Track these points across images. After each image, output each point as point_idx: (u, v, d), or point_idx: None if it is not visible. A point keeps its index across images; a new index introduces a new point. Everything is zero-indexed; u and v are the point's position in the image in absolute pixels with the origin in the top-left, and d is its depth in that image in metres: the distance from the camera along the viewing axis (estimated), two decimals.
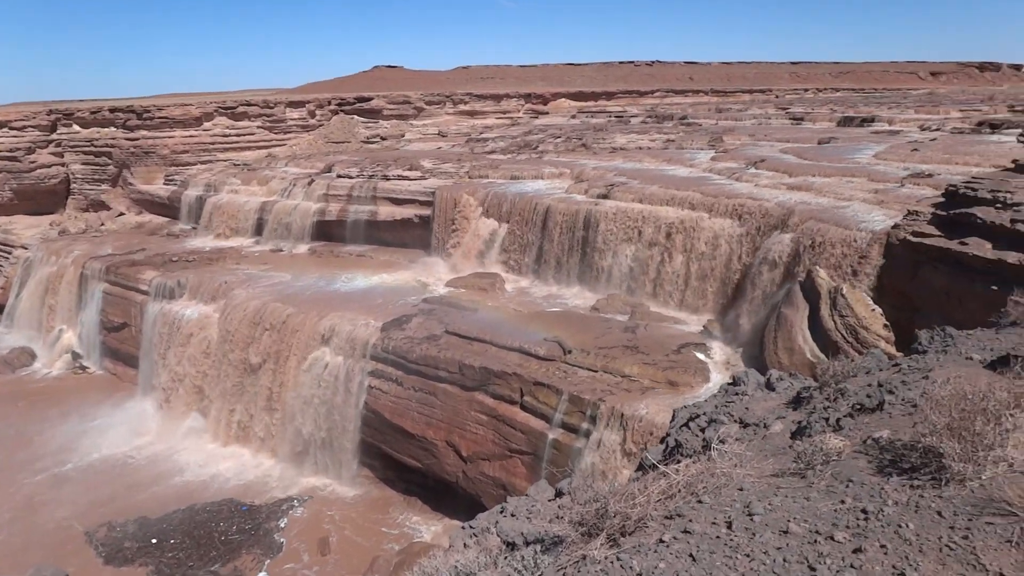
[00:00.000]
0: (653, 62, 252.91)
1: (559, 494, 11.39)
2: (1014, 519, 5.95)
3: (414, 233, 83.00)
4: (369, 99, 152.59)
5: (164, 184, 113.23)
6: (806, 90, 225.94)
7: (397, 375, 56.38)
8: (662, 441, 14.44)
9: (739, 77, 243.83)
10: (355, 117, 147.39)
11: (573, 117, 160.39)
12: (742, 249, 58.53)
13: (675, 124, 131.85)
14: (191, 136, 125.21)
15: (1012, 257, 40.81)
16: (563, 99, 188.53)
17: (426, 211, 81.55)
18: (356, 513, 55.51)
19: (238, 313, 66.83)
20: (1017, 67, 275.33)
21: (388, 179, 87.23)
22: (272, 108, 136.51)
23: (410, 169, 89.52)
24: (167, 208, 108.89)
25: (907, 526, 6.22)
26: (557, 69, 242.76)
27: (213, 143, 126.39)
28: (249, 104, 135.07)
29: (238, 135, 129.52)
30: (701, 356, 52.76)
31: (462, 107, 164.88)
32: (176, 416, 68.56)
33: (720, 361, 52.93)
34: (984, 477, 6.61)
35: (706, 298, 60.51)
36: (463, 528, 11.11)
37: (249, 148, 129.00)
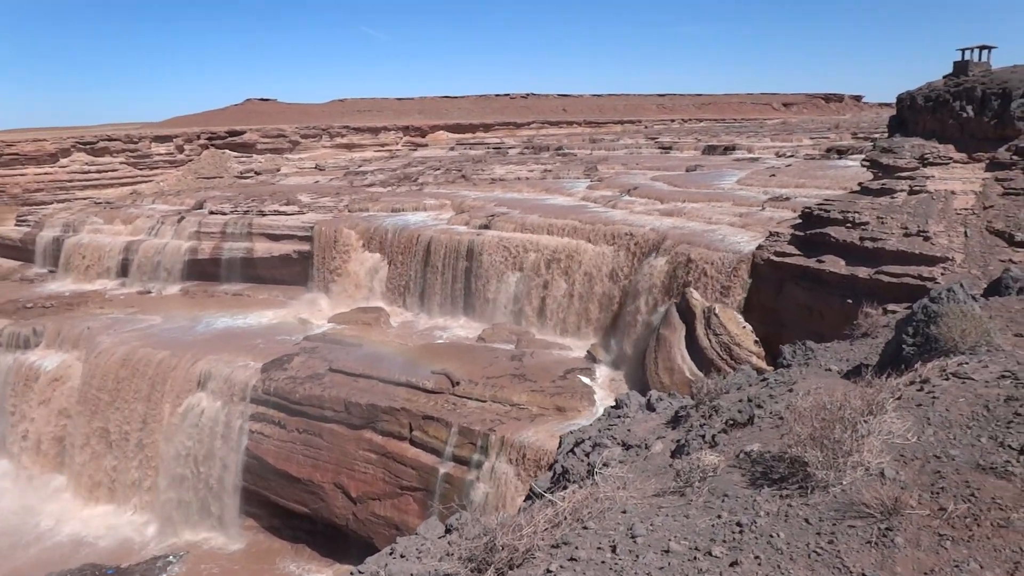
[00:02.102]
0: (528, 94, 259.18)
1: (449, 530, 11.21)
2: (872, 520, 6.33)
3: (293, 269, 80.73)
4: (242, 133, 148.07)
5: (16, 225, 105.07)
6: (672, 120, 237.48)
7: (280, 417, 54.32)
8: (550, 468, 14.54)
9: (610, 109, 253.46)
10: (227, 151, 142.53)
11: (452, 149, 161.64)
12: (621, 274, 60.43)
13: (552, 155, 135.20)
14: (46, 173, 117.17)
15: (863, 272, 44.13)
16: (441, 131, 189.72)
17: (305, 246, 79.59)
18: (239, 566, 52.68)
19: (103, 360, 62.57)
20: (857, 98, 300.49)
21: (264, 215, 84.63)
22: (136, 143, 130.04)
23: (287, 204, 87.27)
24: (20, 251, 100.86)
25: (778, 535, 6.51)
26: (434, 102, 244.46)
27: (71, 181, 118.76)
28: (111, 139, 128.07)
29: (99, 172, 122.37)
30: (586, 380, 53.79)
31: (339, 140, 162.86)
32: (34, 476, 63.13)
33: (605, 384, 54.17)
34: (845, 482, 7.02)
35: (589, 323, 61.96)
36: (351, 574, 10.74)
37: (112, 185, 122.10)
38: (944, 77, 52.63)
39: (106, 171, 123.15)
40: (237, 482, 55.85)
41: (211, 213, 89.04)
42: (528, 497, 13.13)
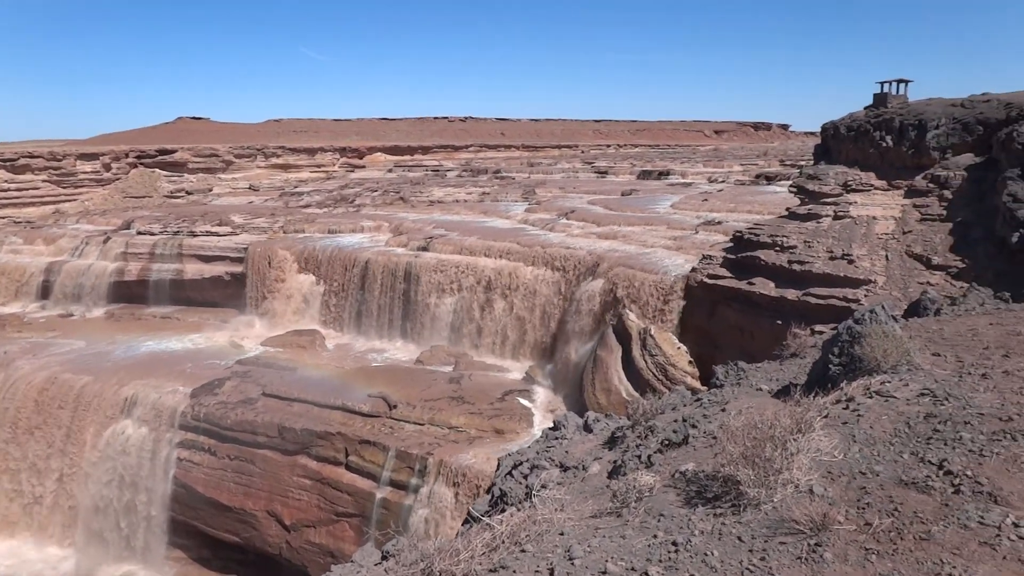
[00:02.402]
0: (466, 118, 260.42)
1: (385, 557, 11.02)
2: (802, 536, 6.49)
3: (225, 292, 78.74)
4: (172, 152, 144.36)
5: None
6: (608, 146, 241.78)
7: (210, 444, 52.64)
8: (488, 491, 14.46)
9: (548, 133, 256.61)
10: (157, 171, 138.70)
11: (390, 171, 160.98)
12: (558, 296, 60.91)
13: (490, 178, 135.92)
14: None
15: (791, 294, 45.52)
16: (379, 153, 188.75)
17: (238, 268, 77.82)
18: None
19: (22, 386, 59.68)
20: (784, 127, 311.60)
21: (196, 235, 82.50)
22: (60, 160, 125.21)
23: (219, 224, 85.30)
24: None
25: (712, 554, 6.60)
26: (372, 123, 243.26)
27: None
28: (32, 156, 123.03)
29: (19, 190, 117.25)
30: (525, 402, 53.84)
31: (275, 160, 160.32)
32: None
33: (543, 406, 54.29)
34: (776, 500, 7.18)
35: (527, 345, 62.15)
36: None
37: (33, 204, 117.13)
38: (865, 108, 55.11)
39: (27, 189, 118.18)
40: (164, 512, 53.78)
41: (139, 233, 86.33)
42: (466, 521, 13.02)
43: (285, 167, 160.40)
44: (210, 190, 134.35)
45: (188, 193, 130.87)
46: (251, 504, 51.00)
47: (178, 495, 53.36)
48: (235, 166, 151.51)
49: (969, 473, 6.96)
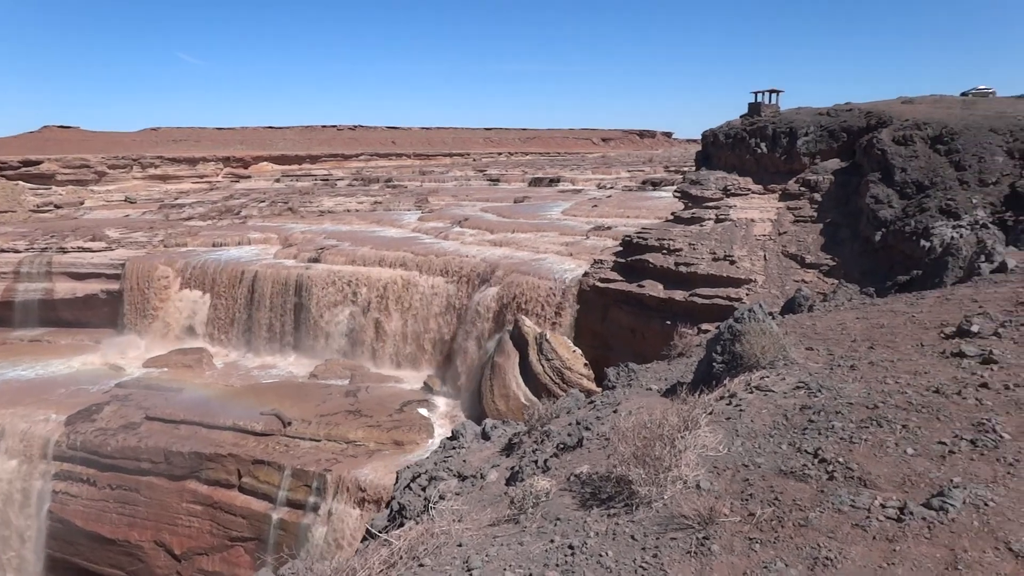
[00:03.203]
0: (356, 126, 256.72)
1: None
2: (691, 531, 6.71)
3: (101, 311, 74.33)
4: (38, 163, 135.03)
5: None
6: (500, 153, 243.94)
7: (89, 474, 49.49)
8: (387, 505, 14.25)
9: (439, 141, 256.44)
10: (21, 183, 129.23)
11: (277, 181, 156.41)
12: (454, 304, 60.84)
13: (381, 186, 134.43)
14: None
15: (679, 295, 47.27)
16: (265, 162, 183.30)
17: (115, 285, 73.61)
18: None
19: None
20: (668, 134, 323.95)
21: (66, 252, 77.43)
22: None
23: (93, 240, 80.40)
24: None
25: (607, 554, 6.73)
26: (257, 132, 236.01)
27: None
28: None
29: None
30: (424, 412, 53.45)
31: (152, 171, 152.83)
32: None
33: (443, 415, 54.07)
34: (666, 497, 7.39)
35: (425, 354, 61.73)
36: None
37: None
38: (741, 116, 58.00)
39: None
40: (39, 550, 50.14)
41: (2, 251, 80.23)
42: (365, 538, 12.77)
43: (164, 178, 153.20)
44: (82, 203, 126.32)
45: (57, 207, 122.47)
46: (137, 535, 48.31)
47: (55, 531, 49.89)
48: (109, 177, 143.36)
49: (841, 460, 7.38)
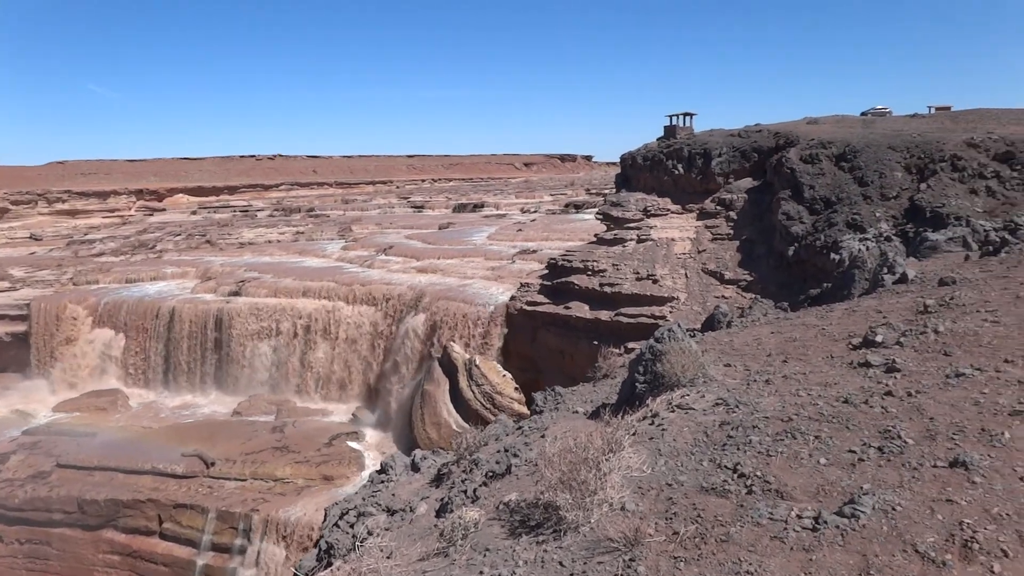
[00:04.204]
0: (276, 155, 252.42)
1: None
2: (618, 553, 6.77)
3: (6, 354, 70.35)
4: None
5: None
6: (423, 180, 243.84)
7: None
8: (316, 544, 13.89)
9: (361, 169, 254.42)
10: None
11: (194, 213, 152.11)
12: (382, 333, 60.13)
13: (303, 216, 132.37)
14: None
15: (604, 315, 47.96)
16: (181, 194, 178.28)
17: (20, 327, 69.89)
18: None
19: None
20: (588, 157, 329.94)
21: None
22: None
23: None
24: None
25: None
26: (172, 163, 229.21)
27: None
28: None
29: None
30: (354, 445, 52.43)
31: (60, 206, 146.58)
32: None
33: (373, 446, 53.16)
34: (593, 520, 7.44)
35: (353, 385, 60.69)
36: None
37: None
38: (658, 139, 59.62)
39: None
40: None
41: None
42: None
43: (73, 213, 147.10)
44: None
45: None
46: None
47: None
48: (12, 213, 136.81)
49: (759, 473, 7.60)
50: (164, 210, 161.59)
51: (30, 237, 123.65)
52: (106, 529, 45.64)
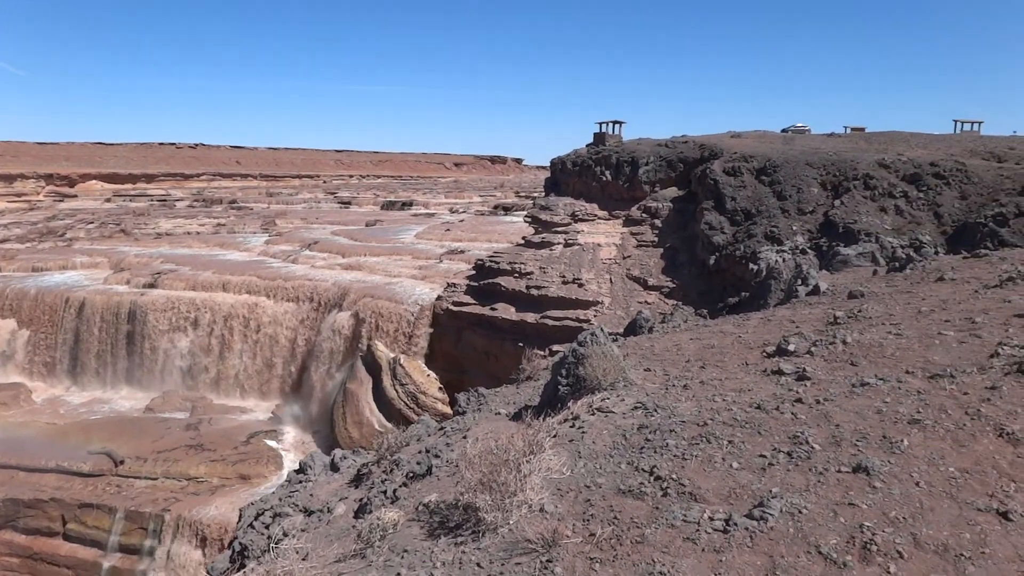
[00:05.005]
0: (197, 144, 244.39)
1: None
2: (536, 555, 6.83)
3: None
4: None
5: None
6: (351, 176, 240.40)
7: None
8: (229, 546, 13.52)
9: (287, 162, 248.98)
10: None
11: (108, 200, 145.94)
12: (304, 330, 58.97)
13: (225, 208, 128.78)
14: None
15: (531, 317, 48.29)
16: (95, 181, 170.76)
17: None
18: None
19: None
20: (519, 160, 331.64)
21: None
22: None
23: None
24: None
25: None
26: (86, 148, 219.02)
27: None
28: None
29: None
30: (273, 443, 51.29)
31: None
32: None
33: (293, 445, 52.08)
34: (512, 522, 7.48)
35: (273, 382, 59.32)
36: None
37: None
38: (587, 146, 60.42)
39: None
40: None
41: None
42: None
43: None
44: None
45: None
46: None
47: None
48: None
49: (674, 476, 7.78)
50: (76, 196, 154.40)
51: None
52: (4, 530, 43.32)
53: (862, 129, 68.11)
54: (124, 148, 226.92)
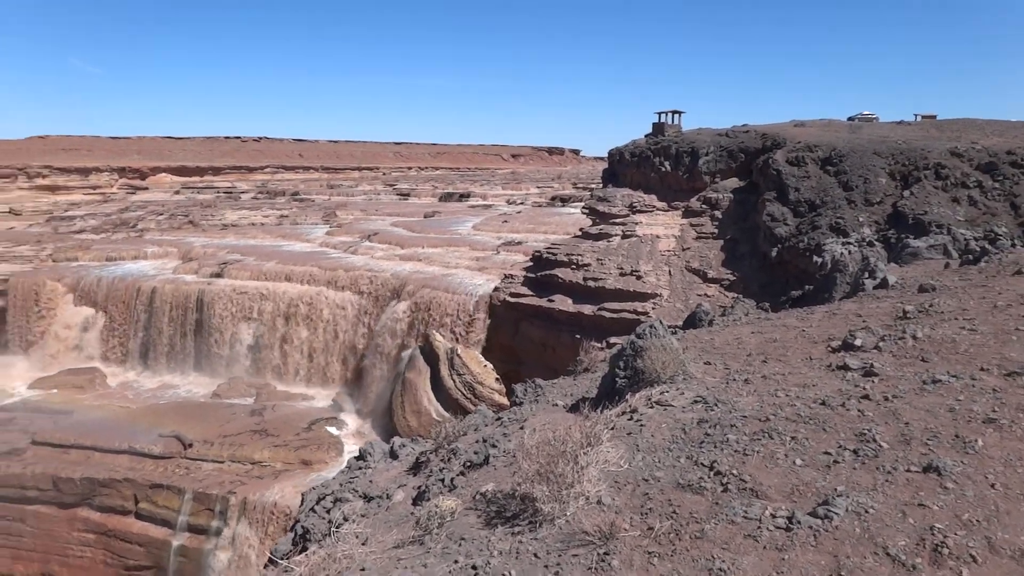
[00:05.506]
0: (261, 138, 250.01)
1: None
2: (592, 547, 6.81)
3: None
4: None
5: None
6: (409, 168, 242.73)
7: None
8: (291, 529, 13.86)
9: (348, 155, 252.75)
10: None
11: (177, 193, 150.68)
12: (364, 320, 59.95)
13: (288, 200, 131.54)
14: None
15: (588, 309, 48.06)
16: (164, 174, 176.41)
17: None
18: None
19: None
20: (576, 151, 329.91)
21: None
22: None
23: None
24: None
25: (510, 573, 6.74)
26: (156, 142, 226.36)
27: None
28: None
29: None
30: (333, 430, 52.35)
31: (40, 181, 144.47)
32: None
33: (353, 432, 53.08)
34: (569, 513, 7.48)
35: (334, 371, 60.51)
36: None
37: None
38: (646, 136, 59.68)
39: None
40: None
41: None
42: (267, 564, 12.38)
43: (53, 188, 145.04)
44: None
45: None
46: (22, 568, 45.35)
47: None
48: None
49: (735, 472, 7.67)
50: (147, 189, 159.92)
51: (9, 212, 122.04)
52: (81, 507, 45.35)
53: (933, 117, 65.57)
54: (192, 142, 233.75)
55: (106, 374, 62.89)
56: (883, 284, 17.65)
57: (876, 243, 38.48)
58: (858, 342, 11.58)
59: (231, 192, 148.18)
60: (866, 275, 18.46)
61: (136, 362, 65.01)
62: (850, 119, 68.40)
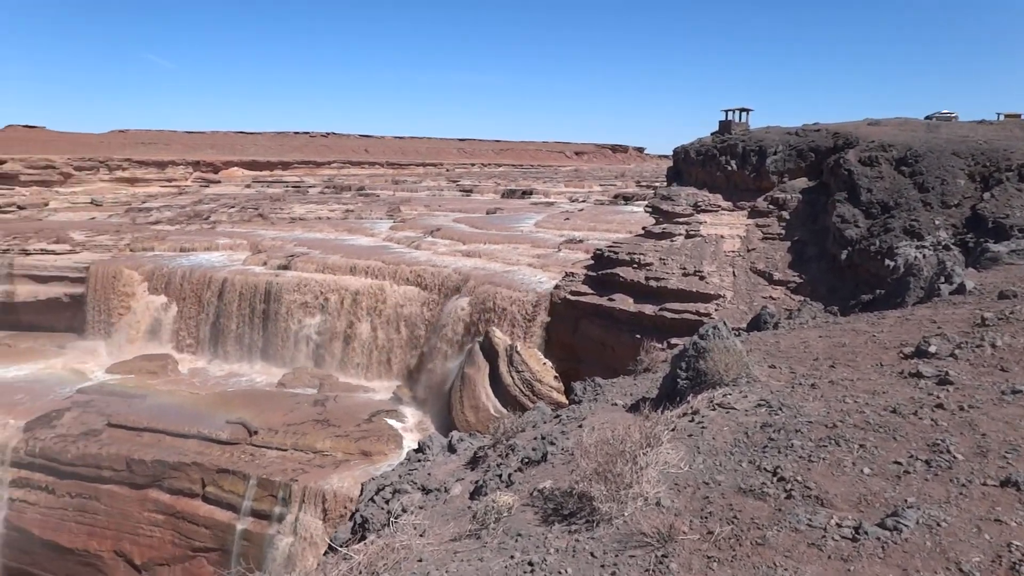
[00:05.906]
0: (329, 133, 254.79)
1: None
2: (650, 549, 6.74)
3: (64, 315, 72.93)
4: (1, 162, 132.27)
5: None
6: (472, 164, 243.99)
7: (48, 482, 48.45)
8: (351, 518, 14.12)
9: (412, 151, 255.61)
10: None
11: (248, 186, 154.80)
12: (425, 314, 60.63)
13: (353, 195, 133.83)
14: None
15: (649, 309, 47.55)
16: (236, 168, 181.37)
17: (79, 289, 72.30)
18: None
19: None
20: (640, 149, 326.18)
21: (28, 254, 75.91)
22: None
23: (57, 242, 78.92)
24: None
25: (566, 571, 6.73)
26: (228, 137, 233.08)
27: None
28: None
29: None
30: (393, 423, 53.11)
31: (120, 173, 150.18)
32: None
33: (412, 425, 53.78)
34: (627, 514, 7.42)
35: (394, 364, 61.39)
36: None
37: None
38: (712, 134, 58.65)
39: None
40: None
41: None
42: (327, 551, 12.64)
43: (132, 181, 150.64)
44: (46, 204, 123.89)
45: (20, 208, 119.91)
46: (96, 544, 47.34)
47: (11, 539, 48.69)
48: (75, 179, 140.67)
49: (799, 478, 7.48)
50: (219, 182, 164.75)
51: (91, 202, 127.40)
52: (152, 489, 47.09)
53: (1017, 116, 62.61)
54: (263, 137, 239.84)
55: (178, 360, 65.17)
56: (960, 289, 16.93)
57: (953, 247, 36.92)
58: (932, 349, 11.16)
59: (299, 186, 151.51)
60: (942, 280, 17.74)
61: (206, 350, 67.16)
62: (928, 118, 65.88)
